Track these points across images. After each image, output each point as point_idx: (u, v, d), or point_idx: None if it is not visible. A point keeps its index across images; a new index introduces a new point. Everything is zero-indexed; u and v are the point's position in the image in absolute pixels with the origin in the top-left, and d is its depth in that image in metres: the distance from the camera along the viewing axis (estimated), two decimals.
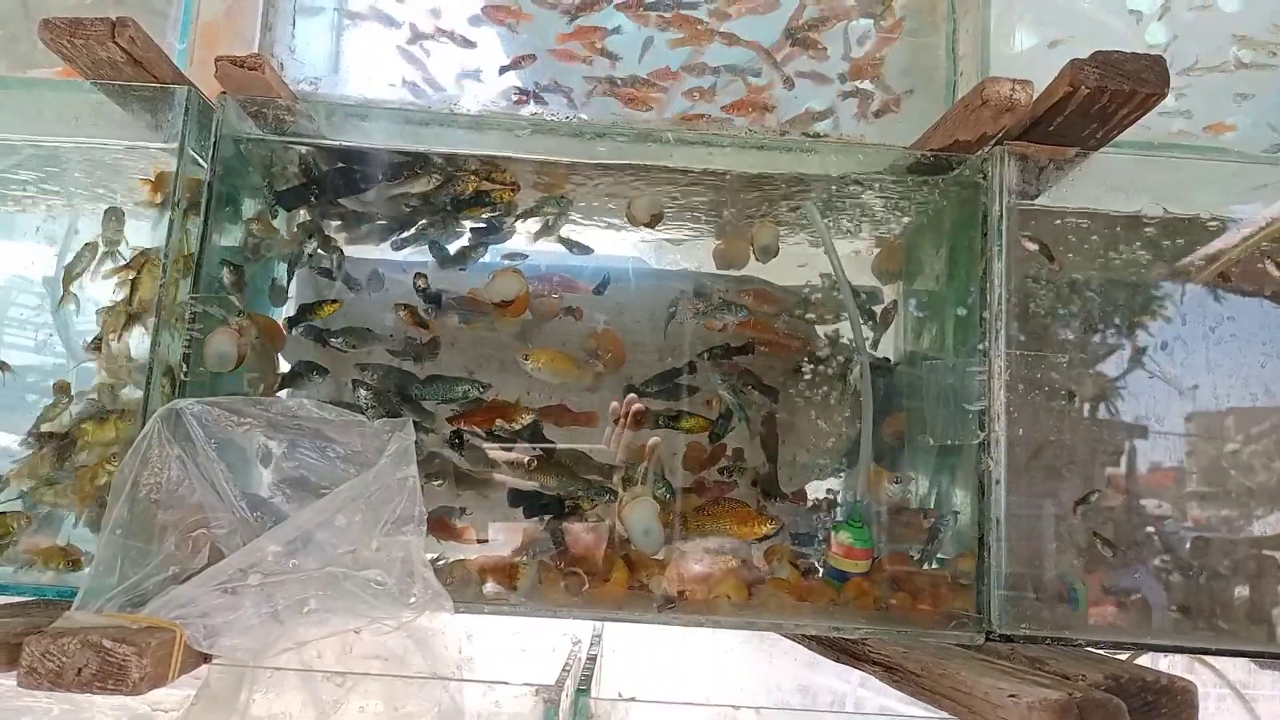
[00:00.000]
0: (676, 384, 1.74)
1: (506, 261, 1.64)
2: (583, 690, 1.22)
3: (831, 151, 1.60)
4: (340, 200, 1.65)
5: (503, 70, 1.80)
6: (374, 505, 1.29)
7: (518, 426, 1.52)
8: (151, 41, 1.46)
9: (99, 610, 1.22)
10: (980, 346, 1.56)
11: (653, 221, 1.63)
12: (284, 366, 1.71)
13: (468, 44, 1.86)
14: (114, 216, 1.58)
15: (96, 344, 1.60)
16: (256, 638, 1.25)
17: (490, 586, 1.49)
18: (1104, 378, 1.67)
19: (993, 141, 1.57)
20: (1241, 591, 1.64)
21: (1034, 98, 1.45)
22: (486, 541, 1.59)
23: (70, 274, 1.57)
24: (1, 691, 1.40)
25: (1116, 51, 1.36)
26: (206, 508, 1.32)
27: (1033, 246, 1.54)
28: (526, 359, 1.62)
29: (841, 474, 1.85)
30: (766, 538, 1.55)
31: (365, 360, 1.69)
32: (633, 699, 1.27)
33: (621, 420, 1.69)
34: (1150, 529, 1.66)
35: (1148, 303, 1.71)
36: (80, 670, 1.10)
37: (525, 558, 1.52)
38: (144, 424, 1.46)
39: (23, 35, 2.35)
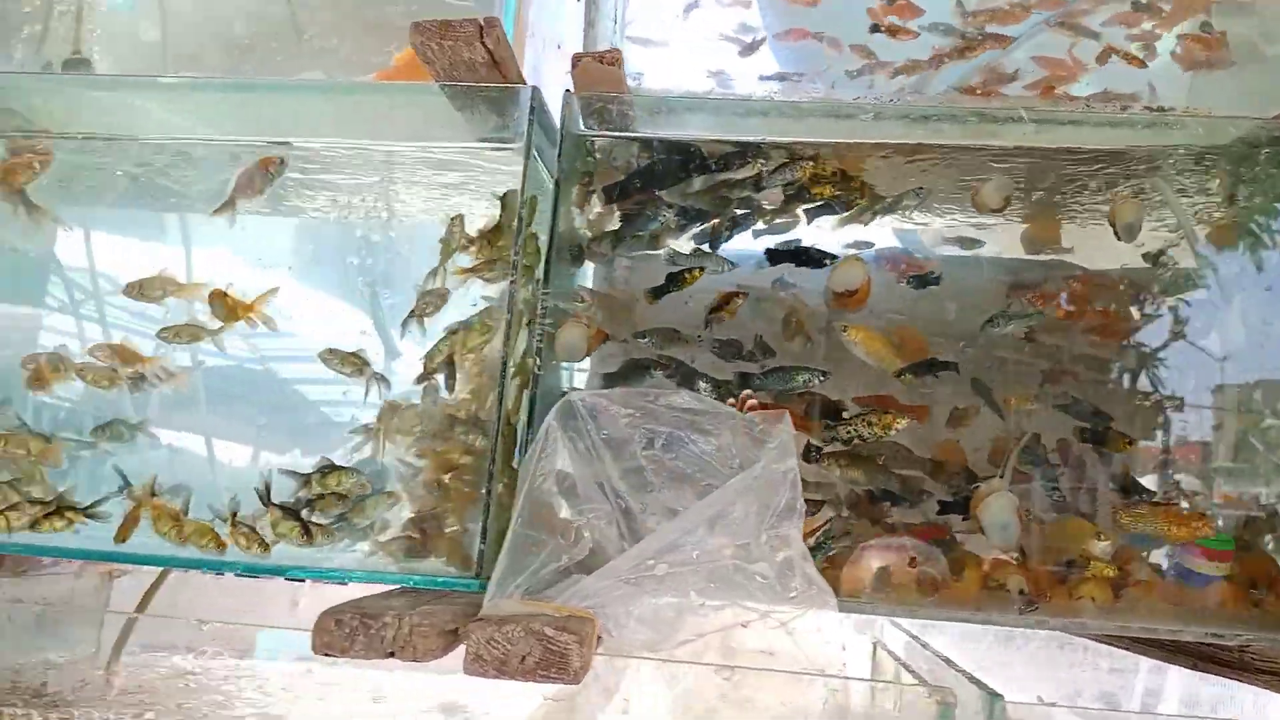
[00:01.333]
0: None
1: (850, 250, 1.60)
2: (995, 695, 1.17)
3: (1198, 125, 1.49)
4: (662, 192, 1.65)
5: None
6: (763, 498, 1.28)
7: (893, 432, 1.47)
8: (508, 42, 1.48)
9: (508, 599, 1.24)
10: None
11: (1004, 206, 1.56)
12: None
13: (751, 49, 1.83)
14: (459, 223, 1.61)
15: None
16: (655, 629, 1.25)
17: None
18: None
19: None
20: None
21: None
22: None
23: (448, 248, 1.59)
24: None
25: None
26: (590, 498, 1.33)
27: None
28: (845, 331, 1.56)
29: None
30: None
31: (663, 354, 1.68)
32: (1054, 704, 1.20)
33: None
34: None
35: None
36: (524, 658, 1.12)
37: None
38: (499, 417, 1.50)
39: (290, 47, 2.45)
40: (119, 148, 1.85)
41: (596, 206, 1.78)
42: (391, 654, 1.14)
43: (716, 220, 1.68)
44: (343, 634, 1.13)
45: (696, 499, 1.34)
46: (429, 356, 1.55)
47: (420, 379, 1.57)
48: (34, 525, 1.59)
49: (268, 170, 1.57)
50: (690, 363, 1.68)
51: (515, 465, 1.55)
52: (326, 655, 1.14)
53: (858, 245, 1.62)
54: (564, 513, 1.32)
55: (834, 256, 1.57)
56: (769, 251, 1.59)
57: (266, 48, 2.36)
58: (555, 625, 1.12)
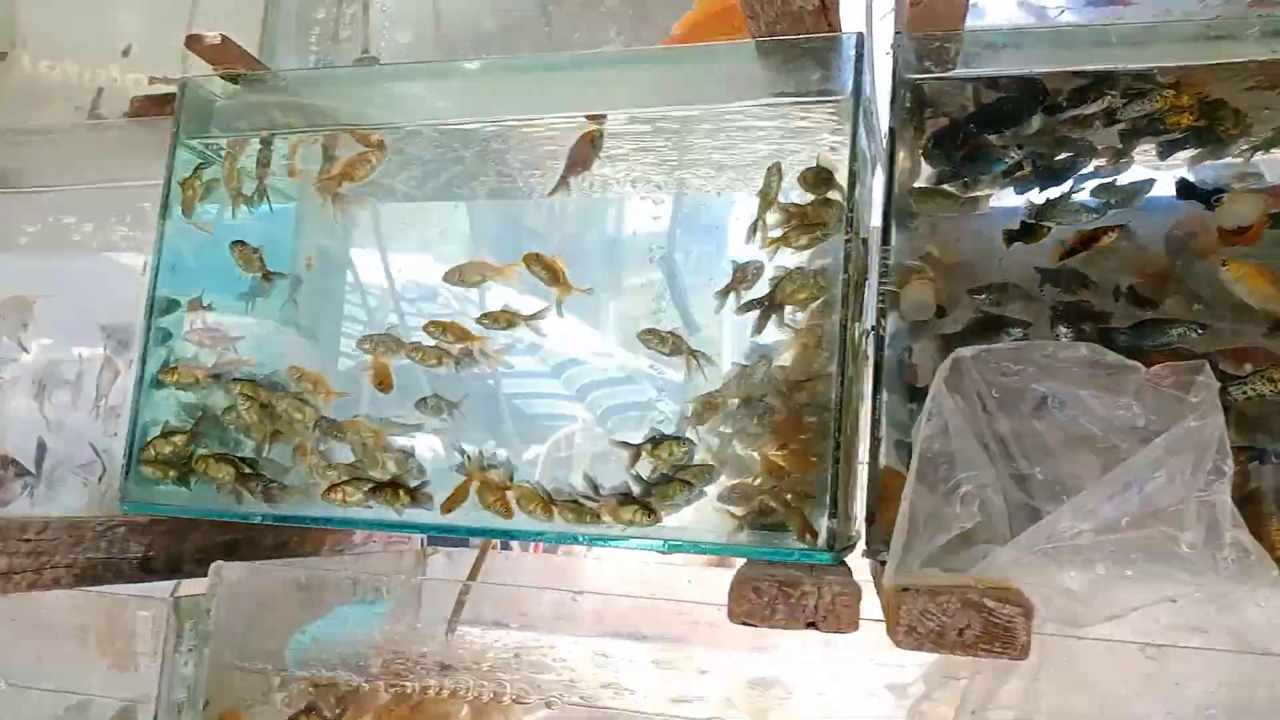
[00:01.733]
0: None
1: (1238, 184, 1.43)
2: None
3: None
4: (992, 136, 1.53)
5: None
6: (1190, 459, 1.15)
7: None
8: None
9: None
10: None
11: None
12: None
13: None
14: (776, 172, 1.54)
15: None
16: (1081, 602, 1.15)
17: None
18: None
19: None
20: None
21: None
22: None
23: (765, 200, 1.53)
24: None
25: None
26: (977, 463, 1.24)
27: None
28: (1224, 265, 1.39)
29: None
30: None
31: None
32: None
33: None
34: None
35: None
36: (962, 631, 1.04)
37: None
38: (840, 384, 1.43)
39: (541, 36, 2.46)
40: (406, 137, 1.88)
41: (903, 160, 1.68)
42: (811, 624, 1.09)
43: (1052, 164, 1.55)
44: (762, 603, 1.09)
45: (1098, 462, 1.23)
46: (778, 287, 1.51)
47: (747, 306, 1.55)
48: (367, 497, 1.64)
49: (593, 144, 1.56)
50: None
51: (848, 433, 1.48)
52: (745, 624, 1.10)
53: (1244, 177, 1.44)
54: (952, 480, 1.23)
55: (1221, 191, 1.40)
56: (1181, 185, 1.44)
57: (518, 37, 2.38)
58: (995, 597, 1.03)
